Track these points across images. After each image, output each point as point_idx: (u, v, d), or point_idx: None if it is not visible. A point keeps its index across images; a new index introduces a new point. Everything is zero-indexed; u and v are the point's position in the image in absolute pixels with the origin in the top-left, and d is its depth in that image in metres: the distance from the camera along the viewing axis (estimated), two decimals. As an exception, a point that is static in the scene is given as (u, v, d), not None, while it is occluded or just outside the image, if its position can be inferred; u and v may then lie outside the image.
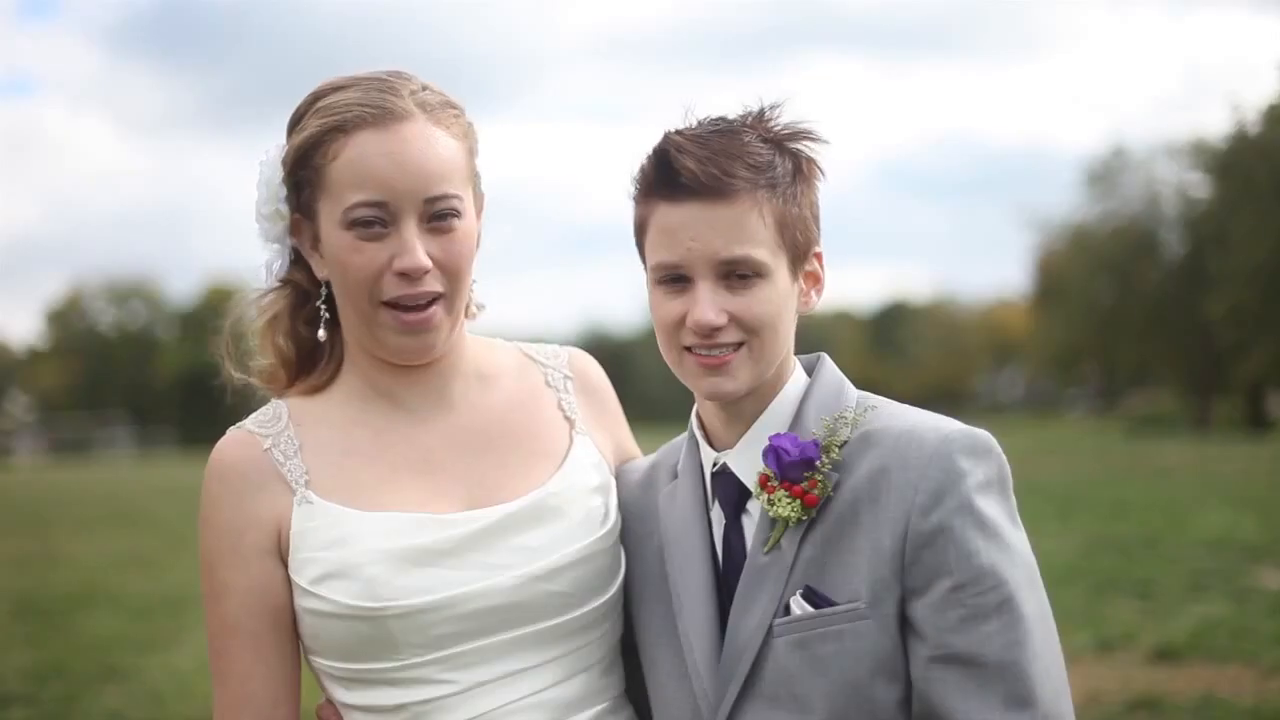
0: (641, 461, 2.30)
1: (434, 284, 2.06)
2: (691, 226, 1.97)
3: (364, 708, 2.07)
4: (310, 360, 2.20)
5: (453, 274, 2.08)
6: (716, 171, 1.95)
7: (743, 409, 2.07)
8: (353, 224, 2.04)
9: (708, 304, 1.97)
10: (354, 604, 2.00)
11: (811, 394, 2.08)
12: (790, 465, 1.99)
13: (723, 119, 2.03)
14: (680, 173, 1.96)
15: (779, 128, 2.04)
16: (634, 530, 2.20)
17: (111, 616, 11.75)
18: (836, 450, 2.00)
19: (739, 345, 2.00)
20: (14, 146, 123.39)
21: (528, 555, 2.07)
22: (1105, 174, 43.06)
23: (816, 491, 1.98)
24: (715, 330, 1.97)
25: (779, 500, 1.99)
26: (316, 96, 2.11)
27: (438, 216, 2.06)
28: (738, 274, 1.97)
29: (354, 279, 2.05)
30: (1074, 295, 43.57)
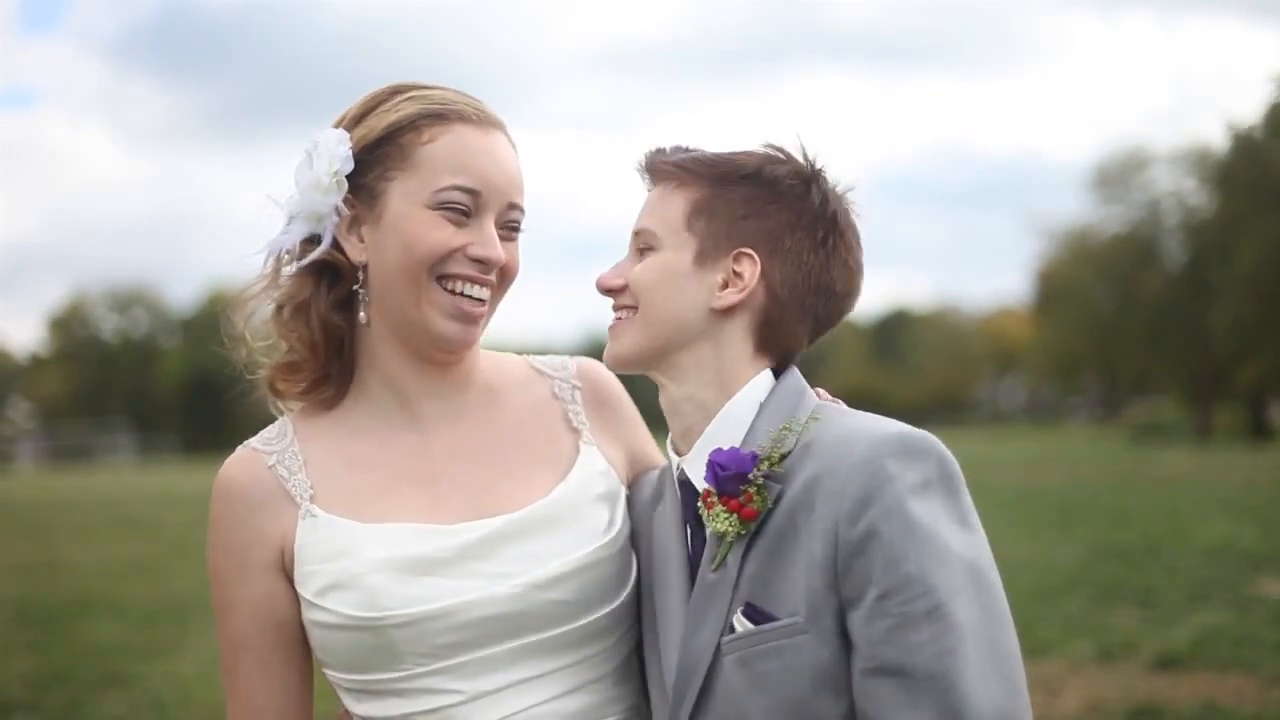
0: (654, 473, 2.27)
1: (492, 280, 2.11)
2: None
3: (374, 719, 2.08)
4: (337, 350, 2.15)
5: (507, 278, 2.13)
6: (658, 160, 2.08)
7: (691, 414, 2.04)
8: (442, 204, 2.06)
9: (611, 266, 2.10)
10: (356, 614, 2.01)
11: (768, 404, 2.03)
12: (726, 479, 1.94)
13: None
14: (644, 161, 2.11)
15: (802, 170, 2.05)
16: (643, 543, 2.18)
17: (114, 623, 11.76)
18: (777, 461, 1.95)
19: (631, 310, 2.07)
20: (16, 157, 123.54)
21: (529, 564, 2.06)
22: (1118, 177, 42.97)
23: (754, 505, 1.93)
24: (609, 291, 2.09)
25: (718, 515, 1.95)
26: (398, 90, 2.12)
27: (510, 224, 2.12)
28: (639, 246, 2.07)
29: (422, 252, 2.05)
30: (1075, 304, 43.53)
